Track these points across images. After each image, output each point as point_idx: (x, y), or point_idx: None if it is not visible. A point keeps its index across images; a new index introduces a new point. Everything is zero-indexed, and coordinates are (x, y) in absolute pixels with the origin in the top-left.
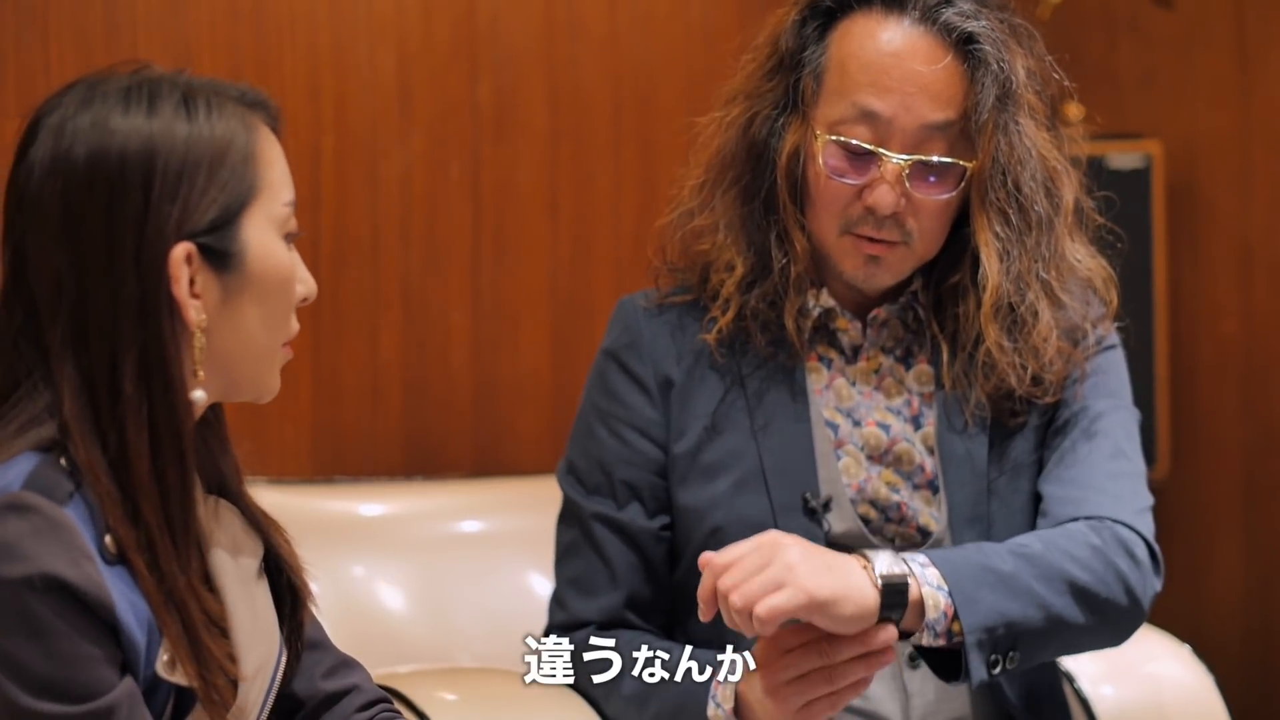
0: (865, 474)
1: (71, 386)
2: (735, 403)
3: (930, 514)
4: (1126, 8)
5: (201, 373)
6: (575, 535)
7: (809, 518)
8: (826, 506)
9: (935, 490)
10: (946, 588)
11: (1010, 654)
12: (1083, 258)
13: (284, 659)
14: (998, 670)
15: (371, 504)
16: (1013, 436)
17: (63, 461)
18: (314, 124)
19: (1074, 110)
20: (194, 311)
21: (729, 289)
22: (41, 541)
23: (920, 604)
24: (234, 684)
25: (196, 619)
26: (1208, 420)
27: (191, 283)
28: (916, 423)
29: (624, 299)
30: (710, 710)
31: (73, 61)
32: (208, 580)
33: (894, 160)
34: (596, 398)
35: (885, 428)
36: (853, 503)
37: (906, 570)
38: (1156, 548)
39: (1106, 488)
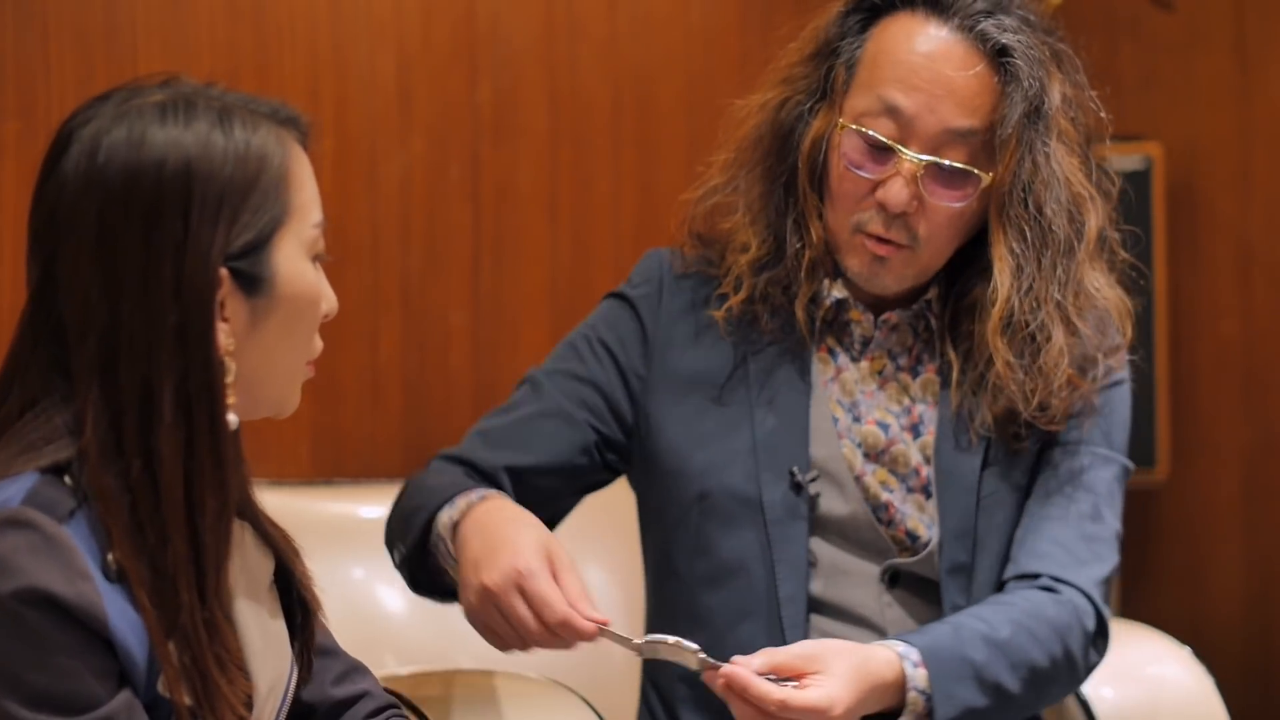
0: (860, 469)
1: (96, 410)
2: (738, 376)
3: (920, 520)
4: (1127, 9)
5: (232, 397)
6: (511, 399)
7: (794, 492)
8: (814, 480)
9: (929, 495)
10: (929, 692)
11: None
12: (1101, 287)
13: (295, 675)
14: None
15: (371, 505)
16: (1010, 458)
17: (66, 480)
18: (313, 125)
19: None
20: (223, 336)
21: (740, 268)
22: (36, 557)
23: (895, 707)
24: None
25: (208, 655)
26: (1207, 422)
27: (221, 306)
28: (915, 430)
29: (655, 250)
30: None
31: (72, 63)
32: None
33: (910, 158)
34: (595, 323)
35: (884, 427)
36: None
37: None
38: (1107, 617)
39: (1076, 550)
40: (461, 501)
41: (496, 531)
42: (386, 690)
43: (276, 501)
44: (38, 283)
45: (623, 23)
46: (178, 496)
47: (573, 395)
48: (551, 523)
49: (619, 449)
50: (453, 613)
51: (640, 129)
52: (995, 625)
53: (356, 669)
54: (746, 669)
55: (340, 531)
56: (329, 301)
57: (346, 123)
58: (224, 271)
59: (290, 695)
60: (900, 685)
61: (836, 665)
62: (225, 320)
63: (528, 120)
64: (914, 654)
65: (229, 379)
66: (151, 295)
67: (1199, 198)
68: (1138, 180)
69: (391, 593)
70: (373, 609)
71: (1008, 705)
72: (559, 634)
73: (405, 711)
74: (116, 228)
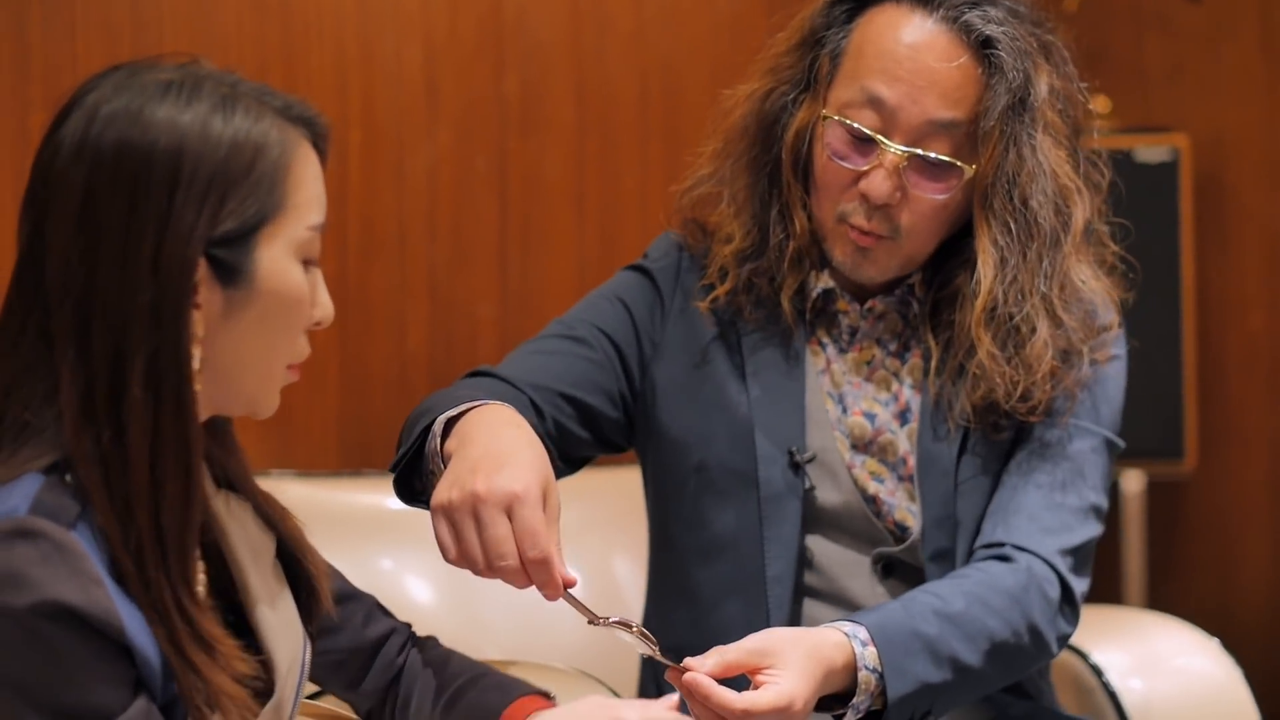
0: (850, 460)
1: (71, 375)
2: (736, 359)
3: (909, 509)
4: (1154, 1)
5: (198, 384)
6: (542, 334)
7: (793, 472)
8: (810, 460)
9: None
10: (880, 670)
11: (926, 715)
12: (1088, 279)
13: (309, 650)
14: None
15: None
16: (988, 444)
17: (68, 479)
18: (341, 118)
19: (1101, 104)
20: (193, 322)
21: (725, 259)
22: (48, 567)
23: (848, 688)
24: (255, 695)
25: (181, 634)
26: (1235, 413)
27: (194, 290)
28: (903, 417)
29: (669, 232)
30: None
31: (99, 55)
32: (226, 594)
33: (892, 150)
34: (615, 287)
35: (871, 417)
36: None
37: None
38: (1076, 587)
39: (1041, 517)
40: (466, 406)
41: (503, 441)
42: None
43: (305, 492)
44: (27, 243)
45: (649, 14)
46: (143, 472)
47: (598, 343)
48: (566, 459)
49: (628, 409)
50: (480, 604)
51: (667, 120)
52: (948, 599)
53: (376, 605)
54: (703, 674)
55: (368, 522)
56: (322, 308)
57: (374, 116)
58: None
59: (307, 669)
60: (852, 666)
61: (789, 656)
62: (198, 306)
63: (554, 112)
64: (861, 632)
65: (195, 365)
66: (129, 268)
67: (1226, 189)
68: (1165, 172)
69: (419, 584)
70: (400, 600)
71: (970, 679)
72: (529, 570)
73: (416, 632)
74: (101, 197)
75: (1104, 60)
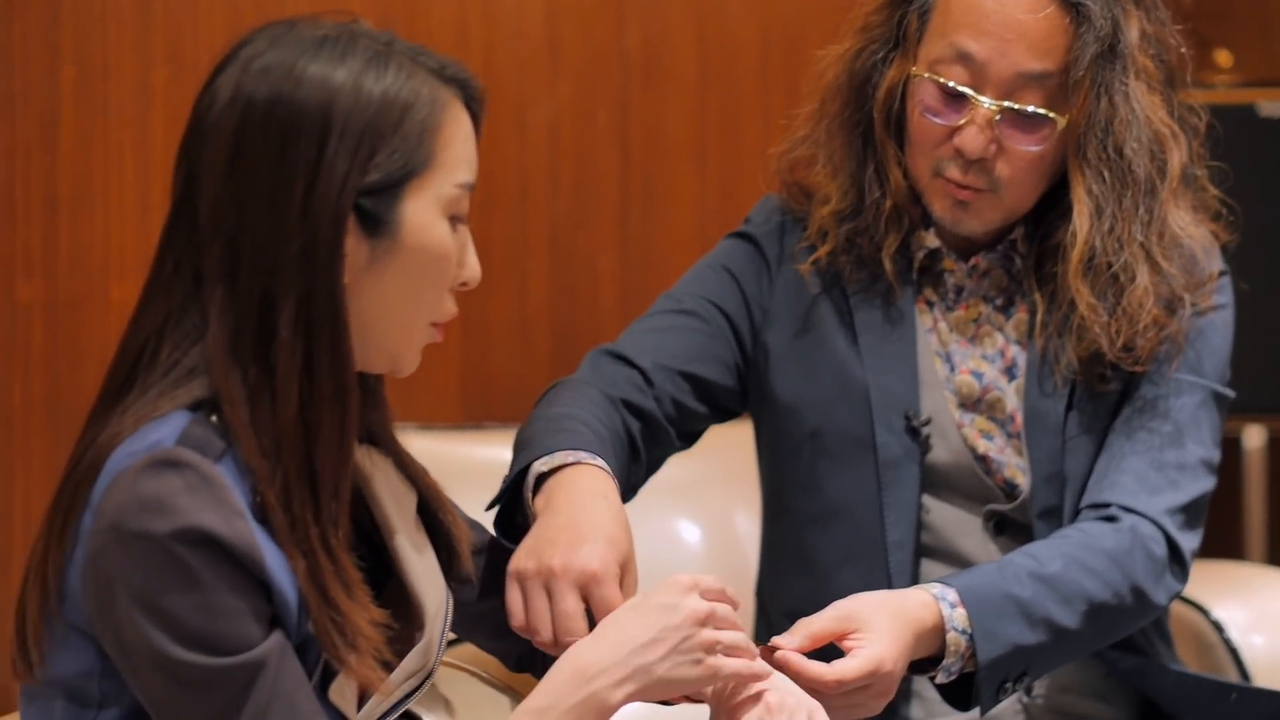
0: (959, 419)
1: (219, 313)
2: (846, 321)
3: (1018, 466)
4: None
5: None
6: (652, 310)
7: (911, 437)
8: (926, 424)
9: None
10: (970, 631)
11: (1022, 677)
12: (1186, 224)
13: (451, 603)
14: (1008, 692)
15: None
16: (1095, 399)
17: (214, 419)
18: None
19: (1223, 58)
20: None
21: (823, 220)
22: (194, 496)
23: (942, 650)
24: (380, 654)
25: (325, 570)
26: None
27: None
28: (1010, 373)
29: (771, 195)
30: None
31: (221, 12)
32: (369, 541)
33: (985, 105)
34: (720, 256)
35: (978, 375)
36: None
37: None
38: (1184, 545)
39: (1147, 477)
40: (560, 461)
41: (589, 514)
42: None
43: (426, 445)
44: (181, 187)
45: None
46: (292, 413)
47: (710, 315)
48: (683, 436)
49: (743, 378)
50: None
51: (788, 74)
52: (1044, 560)
53: None
54: (792, 650)
55: (489, 475)
56: (469, 269)
57: (495, 69)
58: None
59: (449, 619)
60: (940, 628)
61: (876, 619)
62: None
63: (676, 66)
64: (950, 594)
65: None
66: (279, 214)
67: None
68: None
69: None
70: None
71: (1067, 640)
72: None
73: None
74: (251, 147)
75: (1226, 13)
